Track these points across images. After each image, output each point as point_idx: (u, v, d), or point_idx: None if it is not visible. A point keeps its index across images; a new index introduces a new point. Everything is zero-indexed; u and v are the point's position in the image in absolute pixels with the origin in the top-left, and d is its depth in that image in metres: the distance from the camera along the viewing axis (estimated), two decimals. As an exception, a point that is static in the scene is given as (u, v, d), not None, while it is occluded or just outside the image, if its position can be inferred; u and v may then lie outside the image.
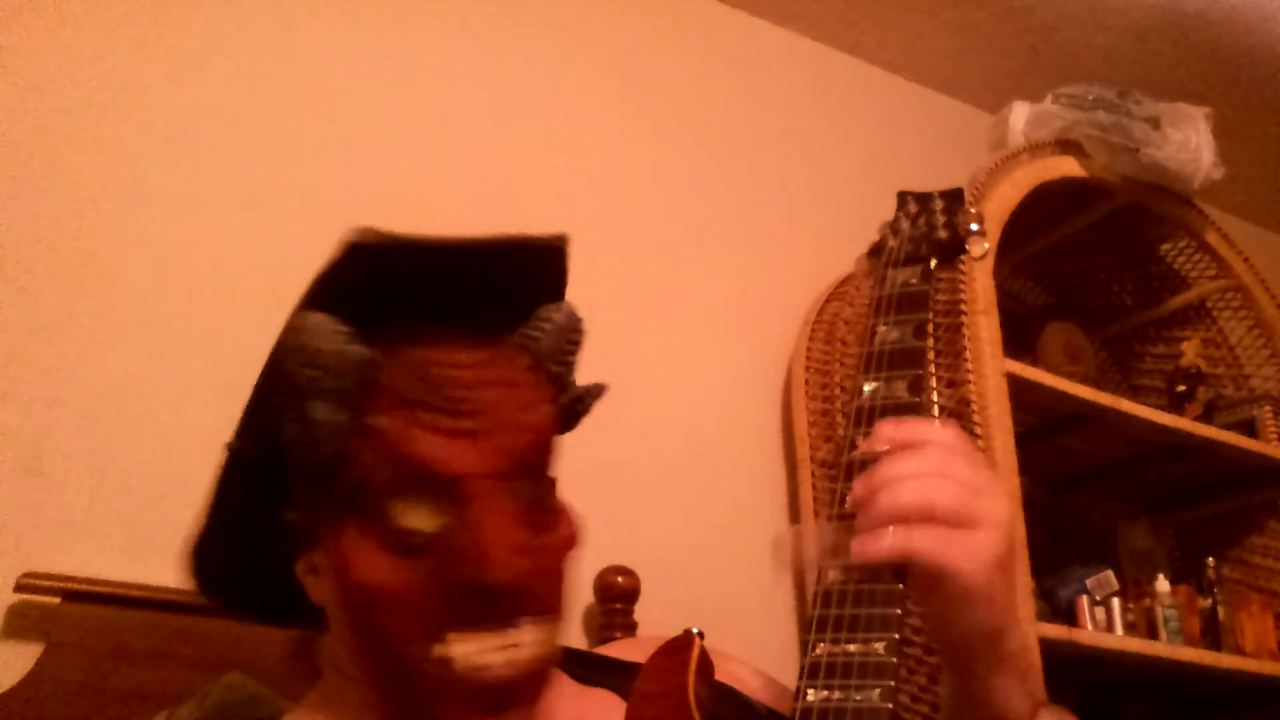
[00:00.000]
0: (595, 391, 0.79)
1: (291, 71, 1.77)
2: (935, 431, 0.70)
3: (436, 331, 0.70)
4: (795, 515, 1.96)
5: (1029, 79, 2.32)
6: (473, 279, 0.72)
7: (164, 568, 1.42)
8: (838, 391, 1.93)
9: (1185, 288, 2.26)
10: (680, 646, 0.72)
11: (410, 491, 0.67)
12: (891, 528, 0.66)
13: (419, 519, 0.67)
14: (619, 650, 0.94)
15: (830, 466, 1.91)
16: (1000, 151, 1.93)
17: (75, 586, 1.32)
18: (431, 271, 0.71)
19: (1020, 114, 2.01)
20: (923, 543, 0.66)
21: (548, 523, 0.72)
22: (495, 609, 0.66)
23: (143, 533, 1.43)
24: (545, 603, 0.70)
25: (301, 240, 1.66)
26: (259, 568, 0.75)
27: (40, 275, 1.49)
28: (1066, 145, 1.95)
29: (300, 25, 1.80)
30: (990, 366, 1.68)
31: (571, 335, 0.76)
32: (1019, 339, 2.03)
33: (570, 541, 0.74)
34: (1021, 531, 0.63)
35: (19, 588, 1.30)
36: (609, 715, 0.77)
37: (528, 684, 0.69)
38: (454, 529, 0.66)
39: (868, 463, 0.70)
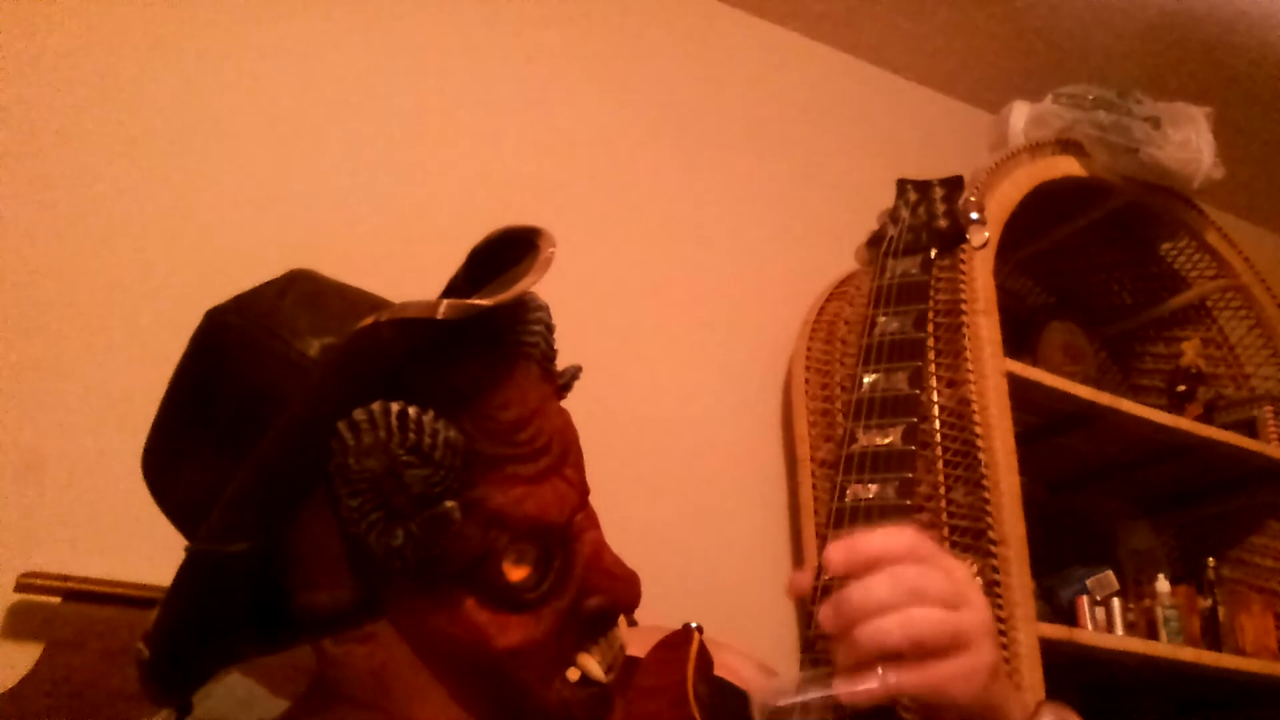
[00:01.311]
0: (575, 374, 0.79)
1: (294, 74, 1.77)
2: (894, 542, 0.67)
3: (455, 363, 0.66)
4: (795, 515, 1.96)
5: (1029, 79, 2.32)
6: (537, 323, 0.72)
7: (164, 568, 1.42)
8: (838, 391, 1.93)
9: (1185, 287, 2.26)
10: (679, 641, 0.72)
11: (519, 546, 0.66)
12: (880, 668, 0.64)
13: (523, 571, 0.66)
14: None
15: (830, 466, 1.91)
16: (1001, 151, 1.93)
17: (75, 586, 1.32)
18: (482, 312, 0.63)
19: (1020, 113, 2.01)
20: (917, 680, 0.64)
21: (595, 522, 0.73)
22: (611, 625, 0.70)
23: (143, 533, 1.42)
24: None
25: (302, 241, 1.66)
26: (218, 658, 0.76)
27: (41, 275, 1.49)
28: (1067, 145, 1.95)
29: (301, 28, 1.80)
30: (990, 366, 1.68)
31: (552, 326, 0.75)
32: (1019, 339, 2.03)
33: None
34: (992, 623, 0.61)
35: (19, 587, 1.30)
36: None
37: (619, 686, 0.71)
38: (572, 567, 0.68)
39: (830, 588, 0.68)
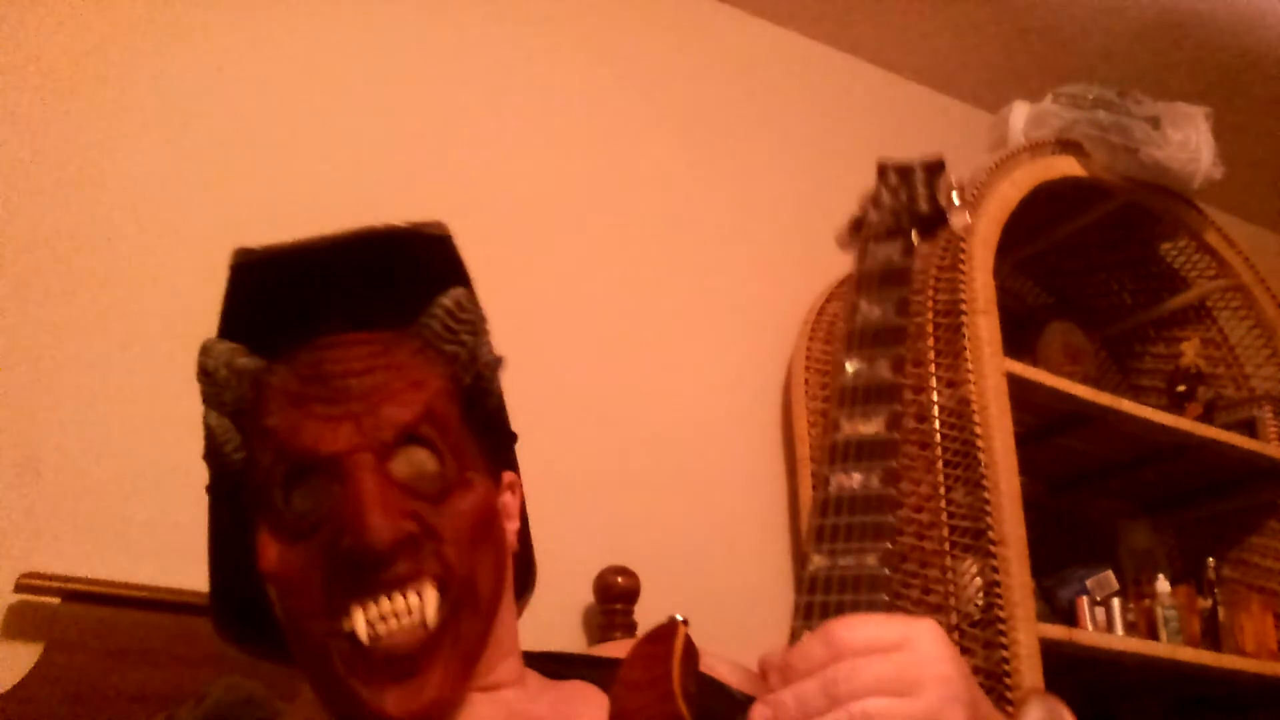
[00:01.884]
0: (494, 364, 0.82)
1: (294, 73, 1.77)
2: (835, 641, 0.63)
3: (331, 332, 0.74)
4: (795, 515, 1.96)
5: (1029, 78, 2.32)
6: (355, 276, 0.75)
7: (164, 567, 1.42)
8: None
9: (1185, 287, 2.26)
10: (665, 635, 0.71)
11: (302, 480, 0.71)
12: None
13: (309, 502, 0.70)
14: (605, 651, 0.94)
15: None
16: (1000, 151, 1.93)
17: (75, 587, 1.32)
18: (313, 275, 0.75)
19: (1020, 113, 2.01)
20: None
21: (448, 492, 0.73)
22: (384, 576, 0.69)
23: (142, 533, 1.43)
24: (447, 568, 0.71)
25: (302, 236, 1.66)
26: (261, 598, 0.76)
27: (41, 276, 1.49)
28: (1066, 145, 1.95)
29: (300, 26, 1.80)
30: (990, 366, 1.68)
31: (462, 316, 0.78)
32: (1019, 339, 2.03)
33: (480, 510, 0.75)
34: (960, 663, 0.57)
35: (19, 588, 1.30)
36: (587, 703, 0.78)
37: (436, 649, 0.70)
38: (337, 504, 0.69)
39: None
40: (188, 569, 1.44)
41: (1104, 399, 1.90)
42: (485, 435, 0.81)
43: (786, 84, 2.35)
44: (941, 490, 1.67)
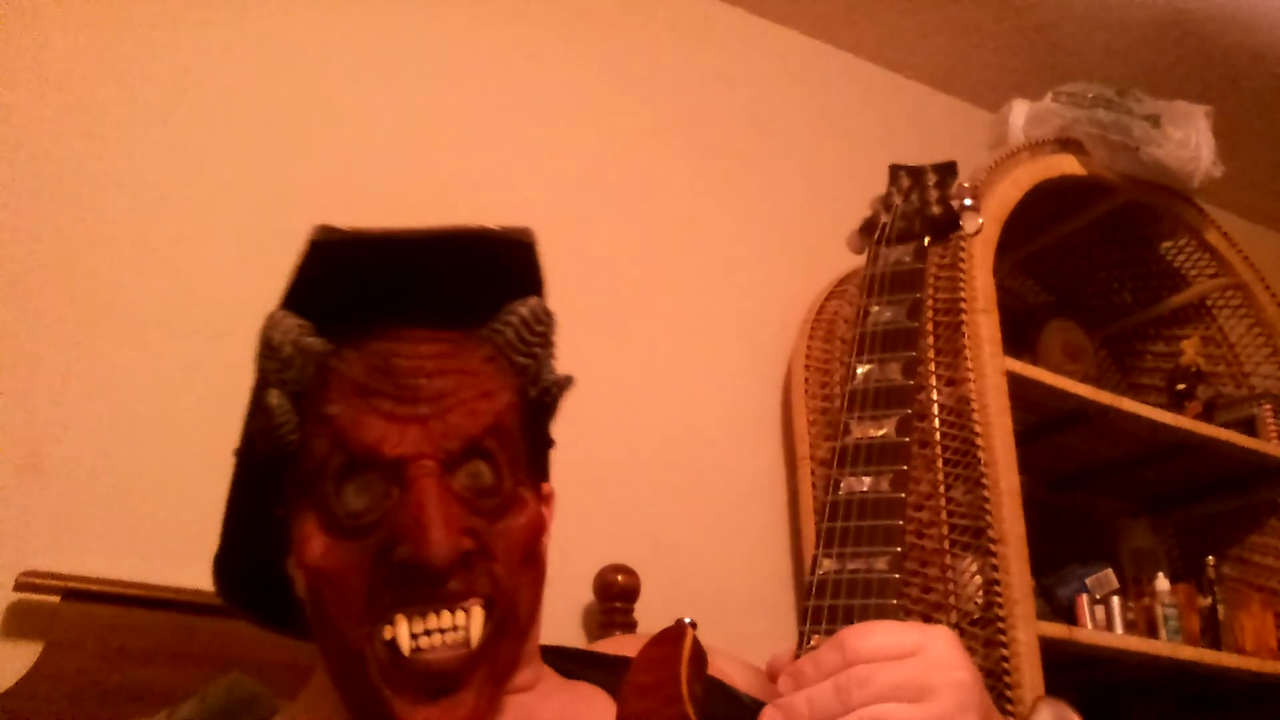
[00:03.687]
0: (563, 383, 0.79)
1: (294, 73, 1.77)
2: (850, 648, 0.65)
3: (401, 325, 0.72)
4: (795, 513, 1.96)
5: (1029, 77, 2.32)
6: (436, 272, 0.72)
7: (164, 566, 1.42)
8: (838, 390, 1.93)
9: (1185, 286, 2.26)
10: (673, 637, 0.71)
11: (357, 475, 0.68)
12: None
13: (363, 500, 0.68)
14: (611, 646, 0.93)
15: (830, 465, 1.91)
16: (1000, 150, 1.93)
17: (75, 585, 1.32)
18: (394, 265, 0.72)
19: (1020, 112, 2.01)
20: None
21: (503, 509, 0.71)
22: (437, 590, 0.67)
23: (142, 532, 1.43)
24: (496, 588, 0.70)
25: (302, 236, 1.66)
26: (274, 573, 0.75)
27: (41, 275, 1.49)
28: (1066, 143, 1.95)
29: (303, 27, 1.80)
30: (990, 365, 1.68)
31: (536, 328, 0.76)
32: (1019, 337, 2.03)
33: (530, 529, 0.73)
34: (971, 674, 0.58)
35: (18, 586, 1.30)
36: (595, 709, 0.77)
37: (475, 669, 0.68)
38: (396, 509, 0.67)
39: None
40: (188, 567, 1.44)
41: (1104, 397, 1.90)
42: (537, 448, 0.79)
43: (786, 83, 2.35)
44: (941, 488, 1.67)
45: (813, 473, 1.92)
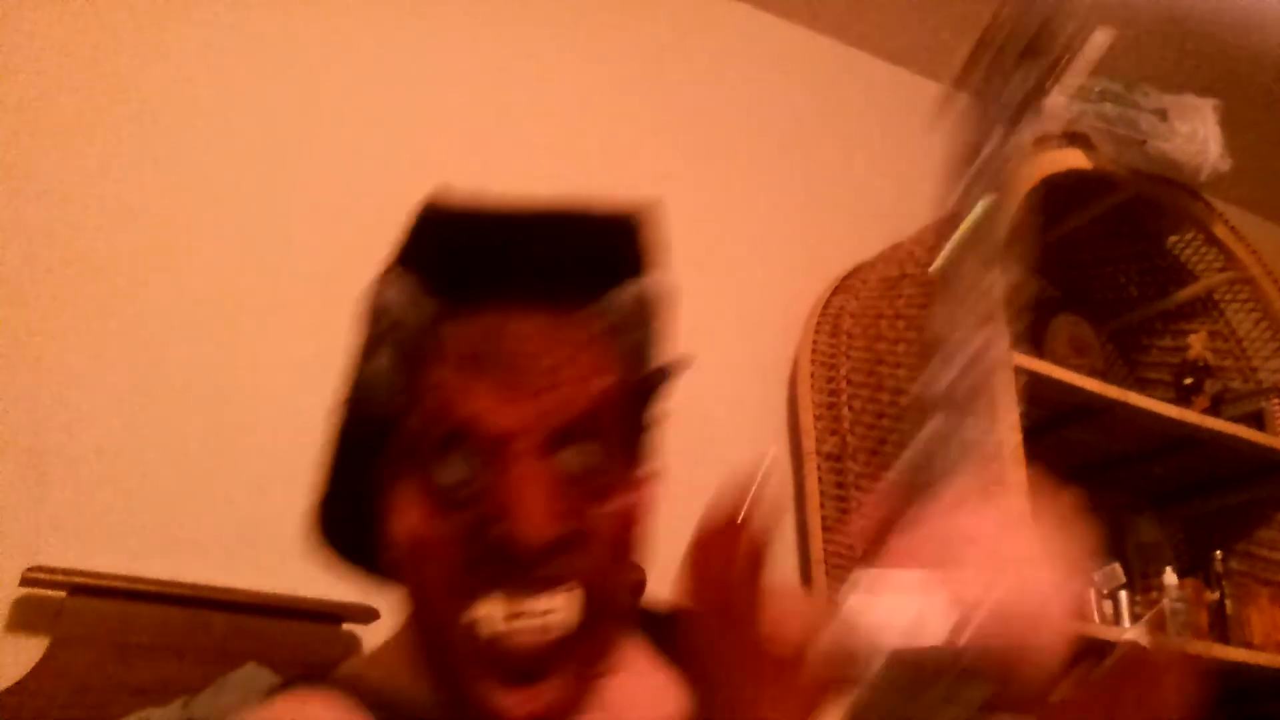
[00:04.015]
0: (673, 366, 0.77)
1: (294, 72, 1.77)
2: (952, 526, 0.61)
3: (511, 298, 0.69)
4: (801, 508, 1.96)
5: (1035, 71, 2.31)
6: (550, 248, 0.70)
7: (170, 562, 1.42)
8: (844, 385, 1.93)
9: (1192, 280, 2.25)
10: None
11: (458, 447, 0.66)
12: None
13: (463, 473, 0.66)
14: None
15: (836, 459, 1.91)
16: (1007, 144, 1.92)
17: (81, 581, 1.32)
18: (508, 238, 0.70)
19: (1026, 106, 2.00)
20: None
21: (605, 492, 0.69)
22: (531, 572, 0.64)
23: (148, 528, 1.43)
24: (593, 573, 0.67)
25: (301, 241, 1.66)
26: (372, 527, 0.73)
27: (46, 274, 1.49)
28: (1073, 138, 1.95)
29: (309, 25, 1.80)
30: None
31: (647, 310, 0.75)
32: (1026, 332, 2.03)
33: (631, 513, 0.71)
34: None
35: (25, 582, 1.30)
36: (665, 704, 0.74)
37: (565, 656, 0.66)
38: (493, 487, 0.65)
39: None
40: (194, 563, 1.44)
41: (1111, 392, 1.89)
42: (642, 430, 0.77)
43: (792, 78, 2.35)
44: (948, 483, 1.67)
45: (818, 466, 1.92)
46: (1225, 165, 1.96)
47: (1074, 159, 1.94)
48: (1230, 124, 1.98)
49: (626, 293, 0.74)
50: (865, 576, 0.59)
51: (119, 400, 1.47)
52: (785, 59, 2.35)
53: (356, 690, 0.71)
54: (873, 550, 0.63)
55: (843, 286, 2.06)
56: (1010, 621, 0.58)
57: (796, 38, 2.40)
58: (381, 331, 0.69)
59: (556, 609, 0.65)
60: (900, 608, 0.59)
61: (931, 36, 2.46)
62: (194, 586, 1.38)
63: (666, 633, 0.82)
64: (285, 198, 1.67)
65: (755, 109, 2.26)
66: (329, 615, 1.43)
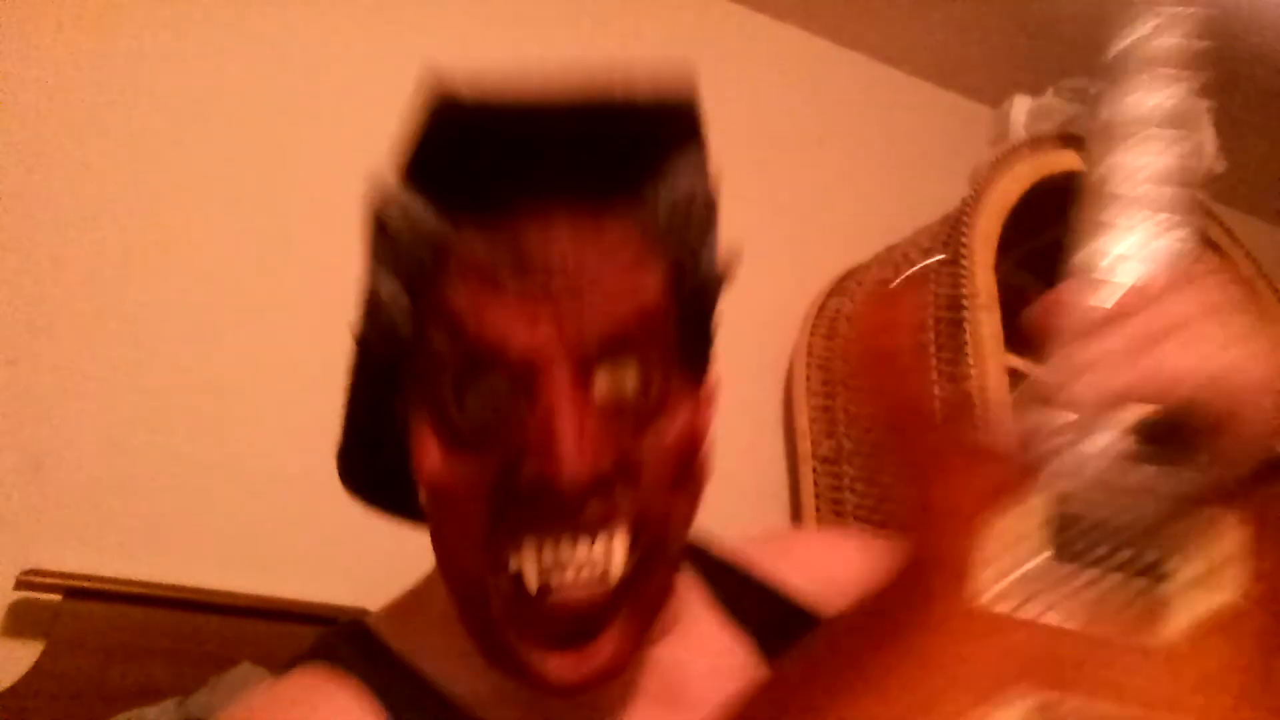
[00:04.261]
0: (726, 269, 0.70)
1: (295, 70, 1.77)
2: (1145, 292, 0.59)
3: (534, 200, 0.59)
4: (796, 512, 1.96)
5: (1030, 73, 2.31)
6: (578, 141, 0.60)
7: (166, 565, 1.42)
8: (839, 388, 1.93)
9: (1187, 282, 2.25)
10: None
11: (480, 376, 0.58)
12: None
13: (486, 406, 0.58)
14: (769, 551, 0.81)
15: (832, 463, 1.91)
16: (1001, 146, 1.92)
17: (76, 584, 1.32)
18: (528, 133, 0.59)
19: (1021, 108, 2.00)
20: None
21: (653, 416, 0.60)
22: (571, 517, 0.56)
23: (144, 530, 1.43)
24: (644, 511, 0.59)
25: (300, 242, 1.66)
26: (399, 465, 0.65)
27: (43, 272, 1.49)
28: (1068, 139, 1.95)
29: (303, 25, 1.80)
30: (992, 361, 1.68)
31: (695, 214, 0.65)
32: (1020, 334, 2.03)
33: (685, 439, 0.62)
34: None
35: (20, 585, 1.30)
36: (726, 664, 0.68)
37: (616, 609, 0.59)
38: (523, 420, 0.57)
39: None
40: (189, 565, 1.44)
41: (1106, 394, 1.89)
42: (694, 341, 0.67)
43: (787, 79, 2.35)
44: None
45: (814, 469, 1.92)
46: (1220, 167, 1.96)
47: (1069, 161, 1.94)
48: (1224, 125, 1.99)
49: (670, 182, 0.63)
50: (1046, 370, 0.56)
51: (115, 403, 1.47)
52: (780, 61, 2.36)
53: (373, 667, 0.64)
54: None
55: (838, 289, 2.06)
56: (1226, 389, 0.55)
57: (790, 39, 2.40)
58: (381, 256, 0.61)
59: (602, 557, 0.58)
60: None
61: (928, 38, 2.46)
62: (190, 589, 1.38)
63: (727, 580, 0.76)
64: (285, 196, 1.67)
65: (749, 111, 2.26)
66: (325, 618, 1.43)
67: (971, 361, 1.68)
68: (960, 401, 1.67)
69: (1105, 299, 0.60)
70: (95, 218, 1.55)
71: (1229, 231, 2.16)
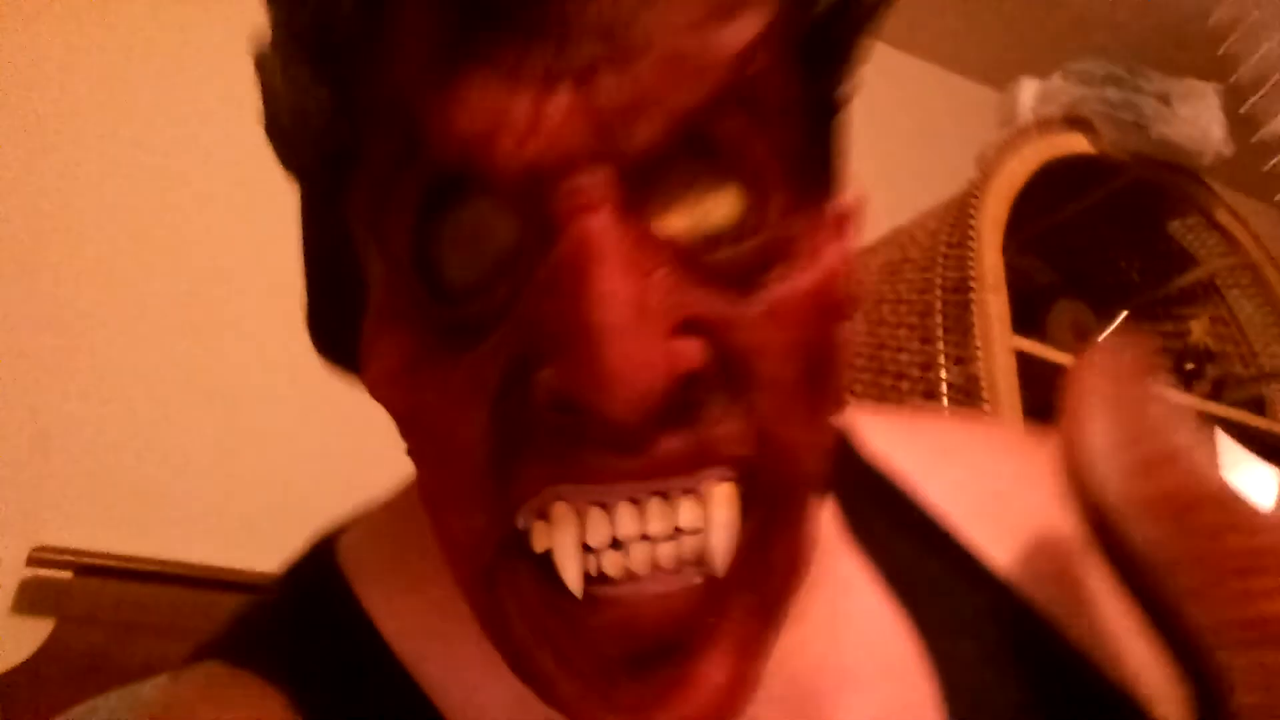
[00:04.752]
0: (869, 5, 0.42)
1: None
2: None
3: None
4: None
5: (1037, 55, 2.31)
6: None
7: (175, 542, 1.43)
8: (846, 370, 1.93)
9: (1194, 265, 2.25)
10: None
11: (452, 204, 0.34)
12: None
13: (468, 261, 0.34)
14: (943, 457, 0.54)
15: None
16: (1008, 128, 1.92)
17: (86, 561, 1.33)
18: None
19: (1029, 90, 2.00)
20: None
21: (766, 264, 0.35)
22: (636, 461, 0.32)
23: (153, 507, 1.44)
24: (760, 438, 0.34)
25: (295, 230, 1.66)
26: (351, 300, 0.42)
27: (49, 251, 1.49)
28: (1075, 122, 1.94)
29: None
30: (999, 344, 1.68)
31: None
32: (1027, 316, 2.03)
33: (819, 300, 0.36)
34: None
35: (30, 562, 1.31)
36: (908, 648, 0.44)
37: (721, 612, 0.34)
38: (536, 282, 0.32)
39: None
40: (199, 542, 1.45)
41: (1112, 376, 1.89)
42: (825, 122, 0.43)
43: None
44: (949, 467, 1.67)
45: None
46: (1228, 150, 1.96)
47: (1076, 143, 1.94)
48: (1234, 108, 1.98)
49: None
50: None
51: (124, 380, 1.47)
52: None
53: (300, 664, 0.45)
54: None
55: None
56: None
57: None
58: (285, 30, 0.35)
59: (691, 526, 0.34)
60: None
61: (935, 21, 2.45)
62: (201, 567, 1.39)
63: (883, 512, 0.50)
64: (281, 190, 1.67)
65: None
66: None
67: (979, 343, 1.68)
68: (967, 384, 1.67)
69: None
70: (100, 195, 1.55)
71: (1236, 215, 2.15)
